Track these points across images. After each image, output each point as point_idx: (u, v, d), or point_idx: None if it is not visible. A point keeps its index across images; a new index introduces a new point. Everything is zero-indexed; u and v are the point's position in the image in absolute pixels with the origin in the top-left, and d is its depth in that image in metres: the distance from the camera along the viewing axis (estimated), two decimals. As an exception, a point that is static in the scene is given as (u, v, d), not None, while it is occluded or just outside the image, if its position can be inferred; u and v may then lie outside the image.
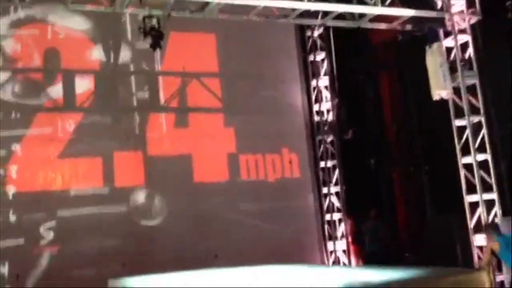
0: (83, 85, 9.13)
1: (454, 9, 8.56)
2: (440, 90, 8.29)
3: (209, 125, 9.75)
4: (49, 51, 9.01)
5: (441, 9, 8.54)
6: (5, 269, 8.17)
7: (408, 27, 8.83)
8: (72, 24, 9.12)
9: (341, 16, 8.55)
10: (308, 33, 10.70)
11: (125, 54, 9.46)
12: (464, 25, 8.57)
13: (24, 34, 8.91)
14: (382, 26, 8.85)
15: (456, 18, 8.51)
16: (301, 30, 10.71)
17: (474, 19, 8.60)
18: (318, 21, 8.76)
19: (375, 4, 8.04)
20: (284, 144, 10.17)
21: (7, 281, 8.14)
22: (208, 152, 9.60)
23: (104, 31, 9.39)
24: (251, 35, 10.02)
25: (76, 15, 9.03)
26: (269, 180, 9.98)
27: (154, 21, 7.32)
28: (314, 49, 10.63)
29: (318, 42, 10.62)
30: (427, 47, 8.39)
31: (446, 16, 8.50)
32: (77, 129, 8.95)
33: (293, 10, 8.12)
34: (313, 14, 8.68)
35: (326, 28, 10.55)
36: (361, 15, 8.44)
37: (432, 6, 8.51)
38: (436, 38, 8.42)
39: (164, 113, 9.56)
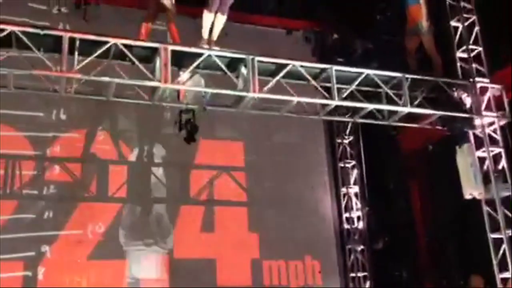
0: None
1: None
2: (472, 190, 8.16)
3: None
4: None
5: (470, 110, 8.52)
6: None
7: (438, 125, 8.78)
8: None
9: (370, 115, 8.54)
10: (338, 140, 10.83)
11: (158, 147, 9.66)
12: (495, 127, 8.47)
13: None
14: (412, 124, 8.80)
15: (485, 120, 8.46)
16: (331, 137, 10.86)
17: (503, 121, 8.53)
18: (347, 117, 8.74)
19: (404, 105, 8.05)
20: (310, 252, 9.97)
21: None
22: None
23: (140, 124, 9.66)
24: (280, 145, 10.20)
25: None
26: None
27: (189, 115, 7.48)
28: (344, 156, 10.71)
29: (348, 149, 10.73)
30: (457, 148, 8.37)
31: (475, 118, 8.47)
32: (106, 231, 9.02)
33: (324, 106, 8.09)
34: (343, 113, 8.71)
35: (356, 136, 10.74)
36: (391, 113, 8.44)
37: (461, 108, 8.54)
38: (466, 139, 8.41)
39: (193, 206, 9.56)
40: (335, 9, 10.47)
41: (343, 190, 10.57)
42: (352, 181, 10.56)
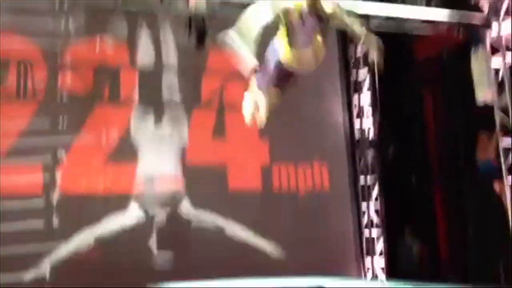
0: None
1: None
2: (485, 95, 8.14)
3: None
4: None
5: (488, 13, 8.30)
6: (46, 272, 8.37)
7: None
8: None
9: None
10: (352, 48, 10.66)
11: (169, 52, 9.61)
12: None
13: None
14: (427, 30, 8.62)
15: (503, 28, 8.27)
16: (344, 45, 10.68)
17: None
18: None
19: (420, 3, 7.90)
20: (320, 157, 10.10)
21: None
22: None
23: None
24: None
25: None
26: (306, 193, 9.93)
27: (199, 20, 7.39)
28: (357, 64, 10.58)
29: (361, 57, 10.57)
30: (472, 51, 8.24)
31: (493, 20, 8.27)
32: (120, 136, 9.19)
33: None
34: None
35: (370, 45, 10.53)
36: (406, 19, 8.21)
37: (477, 10, 8.33)
38: (482, 44, 8.26)
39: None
40: None
41: (355, 97, 10.52)
42: (364, 88, 10.48)
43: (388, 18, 8.20)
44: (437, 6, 8.03)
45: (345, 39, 10.64)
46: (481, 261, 8.76)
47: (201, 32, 7.41)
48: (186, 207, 9.19)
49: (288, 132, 9.81)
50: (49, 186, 8.66)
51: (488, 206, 8.76)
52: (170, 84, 9.55)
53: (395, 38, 9.97)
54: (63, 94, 9.02)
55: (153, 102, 9.41)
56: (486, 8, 8.30)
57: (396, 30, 8.37)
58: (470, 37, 8.40)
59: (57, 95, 8.99)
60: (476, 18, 8.32)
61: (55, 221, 8.55)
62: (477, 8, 8.32)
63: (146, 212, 9.02)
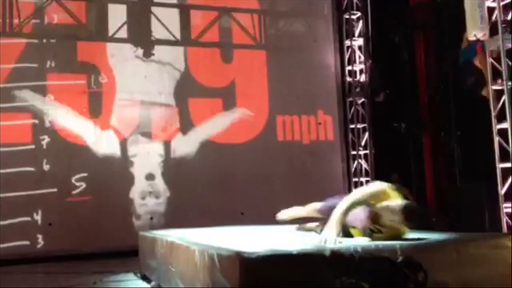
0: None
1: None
2: (476, 31, 8.08)
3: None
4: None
5: None
6: (38, 217, 8.42)
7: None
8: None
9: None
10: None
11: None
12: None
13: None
14: None
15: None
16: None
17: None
18: None
19: None
20: (316, 105, 10.11)
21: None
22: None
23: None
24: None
25: None
26: (299, 140, 9.97)
27: None
28: (349, 8, 10.41)
29: (354, 1, 10.39)
30: None
31: None
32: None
33: None
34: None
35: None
36: None
37: None
38: None
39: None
40: None
41: (347, 42, 10.40)
42: (356, 33, 10.35)
43: None
44: None
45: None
46: (468, 210, 8.91)
47: None
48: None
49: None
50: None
51: (479, 155, 8.84)
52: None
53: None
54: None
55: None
56: None
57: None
58: None
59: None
60: None
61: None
62: None
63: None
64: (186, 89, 9.45)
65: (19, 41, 8.70)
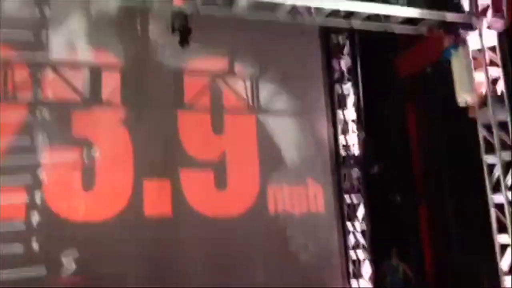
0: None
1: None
2: (466, 94, 8.14)
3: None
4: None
5: (468, 12, 8.36)
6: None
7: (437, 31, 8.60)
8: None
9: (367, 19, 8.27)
10: (335, 63, 10.62)
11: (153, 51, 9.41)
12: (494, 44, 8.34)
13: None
14: (409, 30, 8.60)
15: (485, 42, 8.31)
16: (328, 58, 10.63)
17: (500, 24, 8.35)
18: (344, 22, 8.35)
19: (402, 4, 7.93)
20: (310, 176, 10.02)
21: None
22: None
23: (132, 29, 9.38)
24: (276, 63, 10.00)
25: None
26: (293, 212, 9.82)
27: (182, 18, 7.30)
28: (341, 80, 10.55)
29: (345, 73, 10.55)
30: (452, 51, 8.25)
31: (473, 20, 8.33)
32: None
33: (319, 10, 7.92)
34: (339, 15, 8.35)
35: (354, 59, 10.54)
36: (387, 17, 8.21)
37: (458, 9, 8.36)
38: (462, 42, 8.28)
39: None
40: None
41: (340, 114, 10.48)
42: (348, 105, 10.45)
43: (370, 17, 8.18)
44: (418, 5, 8.00)
45: (329, 53, 10.65)
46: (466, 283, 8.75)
47: (185, 29, 7.33)
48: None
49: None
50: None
51: (476, 227, 8.73)
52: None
53: (379, 56, 10.11)
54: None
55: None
56: (466, 8, 8.34)
57: (376, 29, 8.32)
58: (451, 36, 8.38)
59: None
60: (456, 18, 8.33)
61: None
62: (458, 8, 8.34)
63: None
64: (177, 160, 9.35)
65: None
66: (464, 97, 8.14)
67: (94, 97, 8.98)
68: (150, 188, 9.07)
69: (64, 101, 8.83)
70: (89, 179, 8.81)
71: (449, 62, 8.37)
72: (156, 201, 9.07)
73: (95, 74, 9.04)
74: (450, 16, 8.26)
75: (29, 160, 8.55)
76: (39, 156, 8.63)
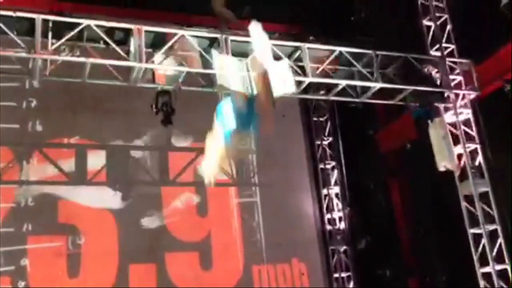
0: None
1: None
2: (445, 162, 8.34)
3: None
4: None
5: (440, 85, 8.73)
6: None
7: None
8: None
9: (344, 93, 8.57)
10: (318, 141, 10.86)
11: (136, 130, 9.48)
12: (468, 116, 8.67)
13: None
14: (384, 101, 8.89)
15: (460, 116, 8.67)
16: (311, 138, 10.90)
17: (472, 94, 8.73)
18: (322, 95, 8.77)
19: (376, 81, 8.18)
20: (295, 254, 9.95)
21: None
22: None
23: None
24: (261, 144, 10.17)
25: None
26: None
27: (166, 98, 7.44)
28: (324, 158, 10.74)
29: (328, 150, 10.76)
30: (429, 122, 8.51)
31: (446, 91, 8.69)
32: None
33: (298, 84, 8.00)
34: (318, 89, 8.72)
35: (335, 137, 10.79)
36: (364, 91, 8.47)
37: (432, 82, 8.72)
38: (438, 114, 8.57)
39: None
40: (310, 11, 10.47)
41: (324, 191, 10.59)
42: (332, 182, 10.60)
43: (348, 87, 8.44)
44: (391, 81, 8.34)
45: (311, 133, 10.90)
46: None
47: (168, 109, 7.48)
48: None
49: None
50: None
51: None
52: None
53: (360, 132, 10.36)
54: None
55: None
56: (439, 82, 8.73)
57: (353, 99, 8.60)
58: (426, 107, 8.71)
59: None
60: (431, 92, 8.69)
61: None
62: (432, 82, 8.71)
63: None
64: (163, 244, 9.28)
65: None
66: (442, 164, 8.40)
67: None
68: (135, 272, 8.96)
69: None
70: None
71: (421, 121, 8.66)
72: (142, 284, 8.93)
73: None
74: (424, 91, 8.63)
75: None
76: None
